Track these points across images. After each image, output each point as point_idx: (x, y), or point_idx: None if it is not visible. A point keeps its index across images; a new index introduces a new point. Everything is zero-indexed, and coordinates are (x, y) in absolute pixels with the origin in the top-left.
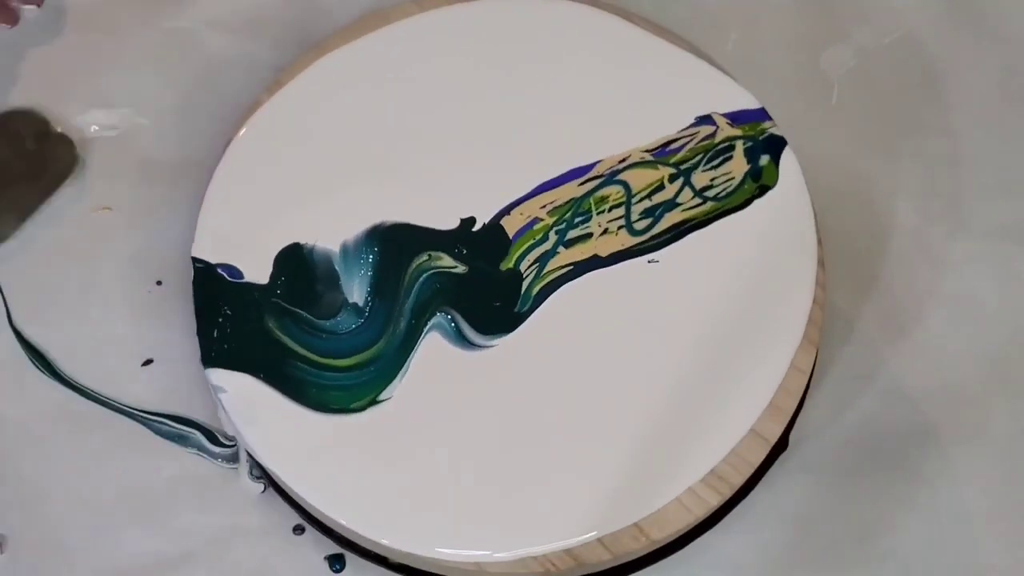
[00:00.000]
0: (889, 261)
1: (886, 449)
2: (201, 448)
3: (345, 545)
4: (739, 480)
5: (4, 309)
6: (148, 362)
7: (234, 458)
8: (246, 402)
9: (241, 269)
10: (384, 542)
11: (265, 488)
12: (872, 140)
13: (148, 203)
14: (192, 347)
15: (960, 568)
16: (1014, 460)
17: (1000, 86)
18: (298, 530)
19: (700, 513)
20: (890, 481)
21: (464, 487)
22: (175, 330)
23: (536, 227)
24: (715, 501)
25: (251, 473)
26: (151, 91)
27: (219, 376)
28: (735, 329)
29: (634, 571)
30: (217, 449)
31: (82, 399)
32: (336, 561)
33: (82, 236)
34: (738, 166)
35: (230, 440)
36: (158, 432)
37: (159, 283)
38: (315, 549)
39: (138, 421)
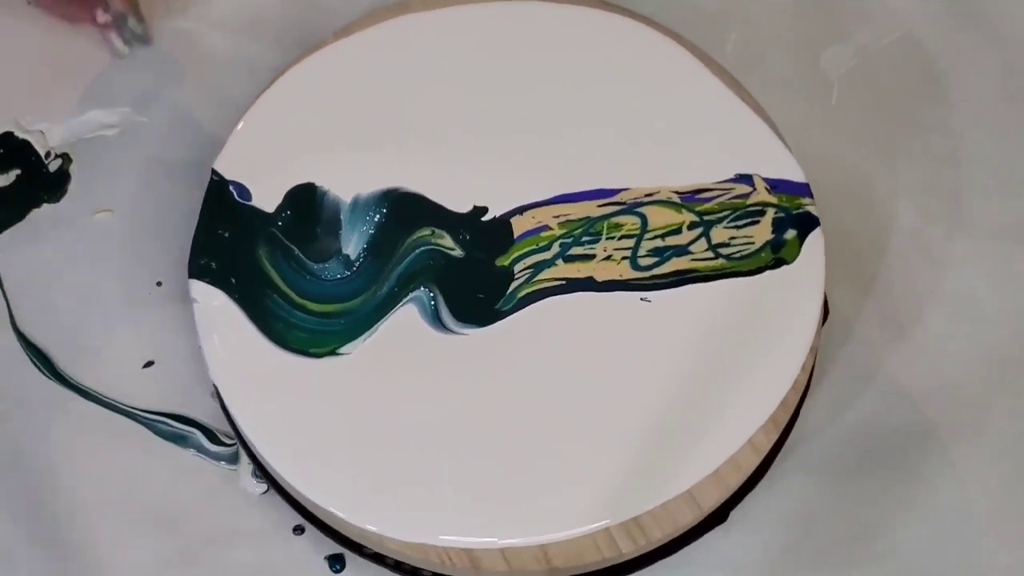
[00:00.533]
0: (889, 261)
1: (886, 449)
2: (201, 449)
3: (345, 544)
4: (659, 536)
5: (7, 310)
6: (149, 364)
7: (234, 458)
8: (214, 317)
9: (252, 192)
10: (291, 480)
11: (267, 489)
12: (872, 140)
13: (148, 203)
14: (193, 348)
15: (960, 568)
16: (1014, 460)
17: (1000, 86)
18: (298, 530)
19: (609, 555)
20: (890, 481)
21: (387, 458)
22: (176, 331)
23: (543, 234)
24: (627, 549)
25: (253, 474)
26: (151, 91)
27: (198, 288)
28: (704, 390)
29: (634, 571)
30: (217, 449)
31: (82, 399)
32: (336, 561)
33: (83, 237)
34: (762, 233)
35: (230, 440)
36: (158, 432)
37: (159, 284)
38: (315, 549)
39: (138, 421)
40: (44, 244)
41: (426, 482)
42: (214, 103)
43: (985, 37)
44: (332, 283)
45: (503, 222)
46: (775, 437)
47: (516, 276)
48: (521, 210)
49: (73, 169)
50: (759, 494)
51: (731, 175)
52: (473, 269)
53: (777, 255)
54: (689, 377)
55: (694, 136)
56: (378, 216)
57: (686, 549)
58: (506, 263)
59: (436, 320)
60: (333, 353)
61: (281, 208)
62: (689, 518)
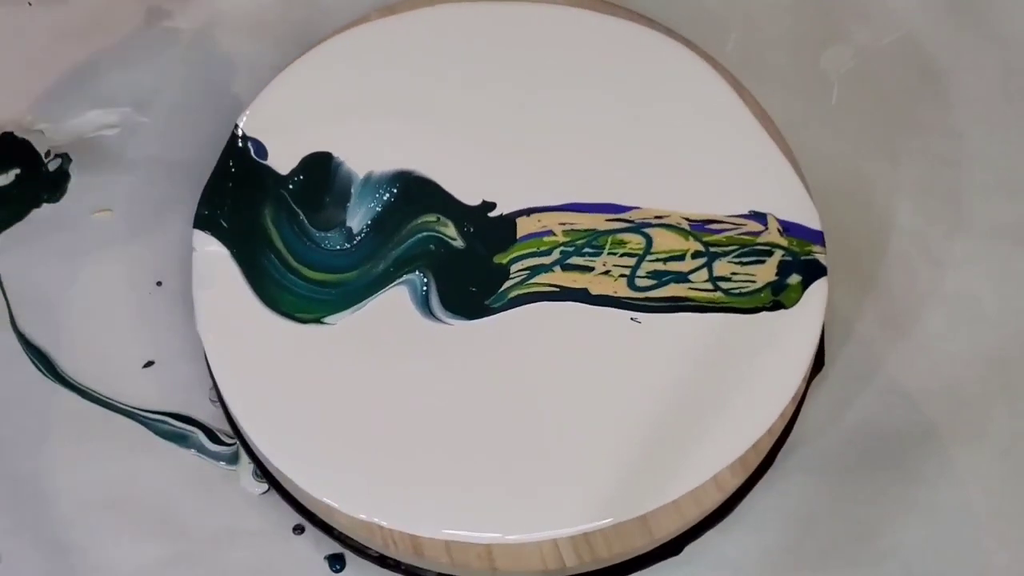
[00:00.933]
0: (889, 261)
1: (886, 449)
2: (201, 449)
3: (345, 544)
4: (605, 556)
5: (7, 310)
6: (149, 364)
7: (234, 459)
8: (210, 268)
9: (269, 151)
10: (253, 437)
11: (268, 489)
12: (872, 140)
13: (148, 203)
14: (193, 348)
15: (960, 568)
16: (1014, 460)
17: (1000, 86)
18: (298, 530)
19: (552, 567)
20: (890, 481)
21: (351, 433)
22: (176, 331)
23: (545, 238)
24: (571, 563)
25: (253, 474)
26: (151, 90)
27: (199, 238)
28: (678, 420)
29: (634, 570)
30: (217, 448)
31: (83, 399)
32: (336, 561)
33: (83, 237)
34: (765, 273)
35: (230, 439)
36: (158, 432)
37: (159, 284)
38: (315, 549)
39: (138, 421)
40: (44, 244)
41: (385, 463)
42: (214, 103)
43: (985, 37)
44: (330, 253)
45: (509, 220)
46: (742, 479)
47: (511, 275)
48: (529, 211)
49: (73, 169)
50: (759, 494)
51: (745, 210)
52: (471, 262)
53: (776, 298)
54: (666, 404)
55: (715, 165)
56: (388, 195)
57: (685, 549)
58: (504, 261)
59: (424, 306)
60: (318, 321)
61: (295, 172)
62: (640, 543)
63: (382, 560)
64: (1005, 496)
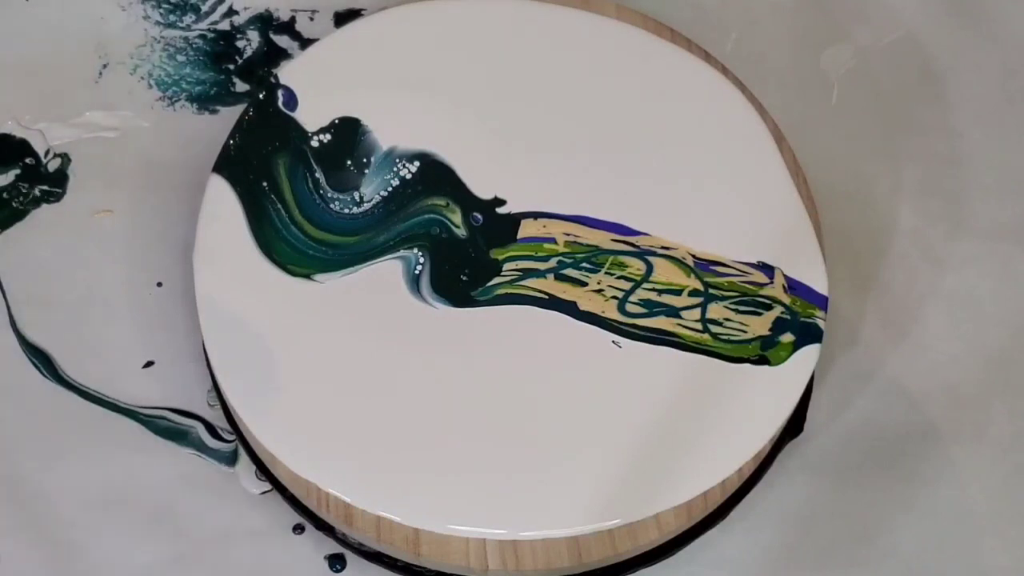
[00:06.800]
0: (889, 261)
1: (886, 449)
2: (201, 446)
3: (345, 544)
4: (530, 568)
5: (6, 310)
6: (149, 364)
7: (233, 458)
8: (216, 208)
9: (300, 105)
10: (220, 378)
11: (269, 489)
12: (872, 140)
13: (148, 205)
14: (193, 349)
15: (960, 568)
16: (1014, 460)
17: (1000, 86)
18: (298, 530)
19: (475, 566)
20: (890, 481)
21: (315, 392)
22: (176, 332)
23: (546, 245)
24: (495, 567)
25: (255, 474)
26: (151, 93)
27: (215, 182)
28: (631, 449)
29: (634, 570)
30: (217, 445)
31: (83, 399)
32: (336, 561)
33: (83, 238)
34: (759, 326)
35: (230, 436)
36: (158, 431)
37: (159, 285)
38: (315, 549)
39: (138, 421)
40: (44, 244)
41: (338, 428)
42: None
43: (985, 37)
44: (337, 215)
45: (514, 219)
46: (684, 525)
47: (503, 273)
48: (535, 215)
49: (72, 169)
50: (759, 494)
51: (754, 260)
52: (468, 251)
53: (764, 353)
54: (621, 432)
55: (735, 210)
56: (405, 171)
57: (685, 549)
58: (500, 257)
59: (414, 284)
60: (308, 277)
61: (322, 130)
62: (566, 563)
63: (381, 559)
64: (1005, 496)
